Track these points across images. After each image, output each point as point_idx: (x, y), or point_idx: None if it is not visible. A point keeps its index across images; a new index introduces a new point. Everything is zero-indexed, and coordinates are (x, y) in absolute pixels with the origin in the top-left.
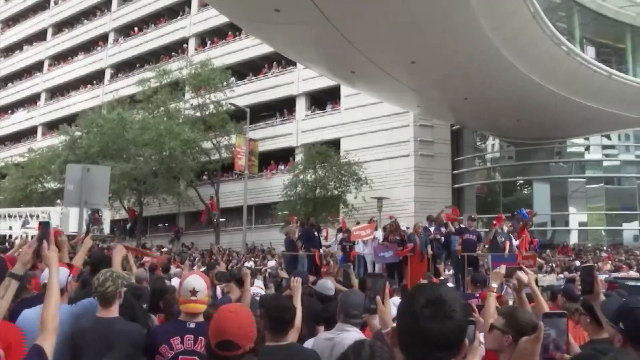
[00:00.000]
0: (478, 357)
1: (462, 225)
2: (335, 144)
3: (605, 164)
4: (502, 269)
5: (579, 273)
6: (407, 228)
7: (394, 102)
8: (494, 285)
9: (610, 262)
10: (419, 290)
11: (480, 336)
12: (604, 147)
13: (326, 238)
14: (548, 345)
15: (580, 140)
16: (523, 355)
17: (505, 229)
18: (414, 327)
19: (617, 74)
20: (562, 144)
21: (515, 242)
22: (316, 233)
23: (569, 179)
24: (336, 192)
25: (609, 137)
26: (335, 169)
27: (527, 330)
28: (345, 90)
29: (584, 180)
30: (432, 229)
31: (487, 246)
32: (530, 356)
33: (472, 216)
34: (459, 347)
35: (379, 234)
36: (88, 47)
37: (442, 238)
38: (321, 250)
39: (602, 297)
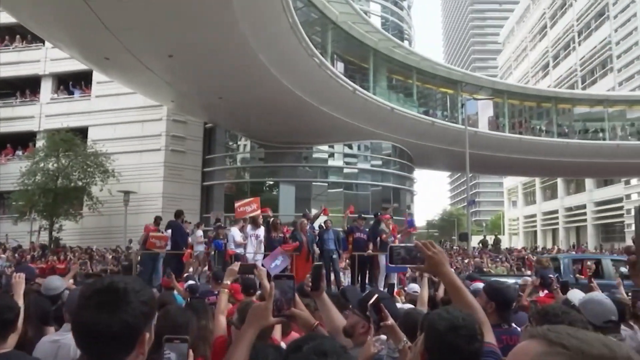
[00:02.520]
0: None
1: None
2: (82, 132)
3: (345, 170)
4: (236, 265)
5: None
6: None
7: (148, 95)
8: (227, 282)
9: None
10: (92, 283)
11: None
12: (346, 155)
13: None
14: (276, 302)
15: (325, 147)
16: (258, 312)
17: (392, 227)
18: (79, 318)
19: (360, 90)
20: (309, 150)
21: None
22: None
23: (313, 183)
24: (80, 184)
25: (350, 147)
26: (81, 159)
27: None
28: (97, 76)
29: (326, 185)
30: (307, 227)
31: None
32: (263, 312)
33: (362, 215)
34: (134, 342)
35: (261, 232)
36: None
37: (317, 237)
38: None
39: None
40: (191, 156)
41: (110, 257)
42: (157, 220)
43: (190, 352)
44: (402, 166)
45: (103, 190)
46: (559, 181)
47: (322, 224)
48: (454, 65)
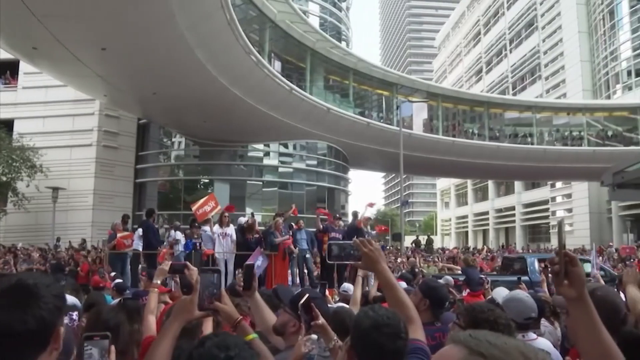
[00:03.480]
0: None
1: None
2: (7, 124)
3: (280, 169)
4: (167, 265)
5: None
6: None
7: (80, 88)
8: (157, 281)
9: None
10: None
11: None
12: (281, 154)
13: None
14: (202, 296)
15: (261, 146)
16: (183, 306)
17: (370, 229)
18: None
19: (297, 90)
20: (244, 148)
21: None
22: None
23: (248, 182)
24: (5, 179)
25: (285, 146)
26: (6, 153)
27: None
28: (25, 66)
29: (261, 183)
30: (282, 226)
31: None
32: (188, 305)
33: (338, 215)
34: (49, 337)
35: (232, 230)
36: None
37: (291, 237)
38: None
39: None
40: (124, 152)
41: (37, 255)
42: (125, 218)
43: (113, 347)
44: (337, 166)
45: (30, 186)
46: (490, 183)
47: (294, 224)
48: (390, 68)
